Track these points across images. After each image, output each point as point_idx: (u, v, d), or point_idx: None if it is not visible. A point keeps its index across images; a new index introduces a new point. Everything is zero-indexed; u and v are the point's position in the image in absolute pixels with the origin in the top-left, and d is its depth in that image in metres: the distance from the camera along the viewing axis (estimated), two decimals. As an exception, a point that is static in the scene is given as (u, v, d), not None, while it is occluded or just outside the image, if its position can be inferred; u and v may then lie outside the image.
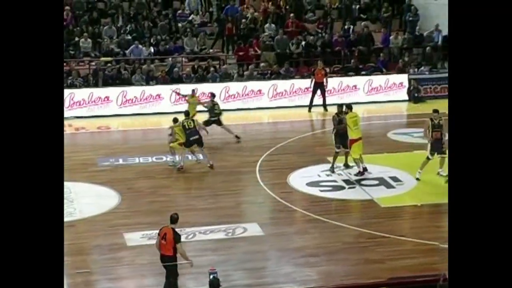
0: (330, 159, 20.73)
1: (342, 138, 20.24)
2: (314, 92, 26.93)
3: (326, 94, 27.16)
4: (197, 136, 20.89)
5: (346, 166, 20.72)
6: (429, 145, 19.96)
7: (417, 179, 19.96)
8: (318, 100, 27.20)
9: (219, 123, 23.43)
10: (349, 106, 20.53)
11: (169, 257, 13.60)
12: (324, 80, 26.83)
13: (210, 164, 20.93)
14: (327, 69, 28.16)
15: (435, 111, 19.96)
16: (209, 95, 24.59)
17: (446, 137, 19.09)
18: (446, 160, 19.52)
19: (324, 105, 27.13)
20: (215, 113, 23.44)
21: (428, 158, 19.88)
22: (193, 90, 24.67)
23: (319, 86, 26.80)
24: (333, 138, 20.47)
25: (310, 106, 27.03)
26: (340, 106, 21.12)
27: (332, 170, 20.51)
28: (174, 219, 13.89)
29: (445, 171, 19.68)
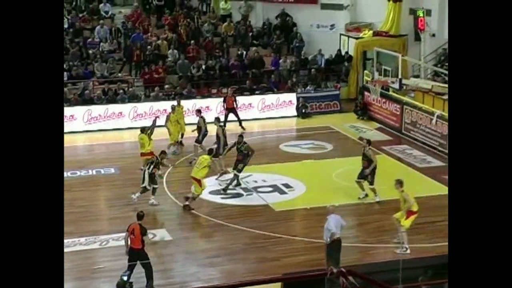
0: (231, 170, 20.76)
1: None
2: (226, 116, 26.86)
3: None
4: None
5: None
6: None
7: (378, 202, 19.15)
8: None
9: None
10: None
11: (138, 250, 14.14)
12: (235, 105, 26.96)
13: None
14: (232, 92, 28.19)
15: (361, 138, 19.35)
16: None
17: (370, 168, 18.91)
18: (365, 185, 19.30)
19: (240, 123, 27.04)
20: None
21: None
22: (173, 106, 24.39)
23: (231, 111, 26.91)
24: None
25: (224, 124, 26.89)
26: (240, 136, 21.03)
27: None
28: (140, 216, 14.56)
29: (362, 195, 19.40)
